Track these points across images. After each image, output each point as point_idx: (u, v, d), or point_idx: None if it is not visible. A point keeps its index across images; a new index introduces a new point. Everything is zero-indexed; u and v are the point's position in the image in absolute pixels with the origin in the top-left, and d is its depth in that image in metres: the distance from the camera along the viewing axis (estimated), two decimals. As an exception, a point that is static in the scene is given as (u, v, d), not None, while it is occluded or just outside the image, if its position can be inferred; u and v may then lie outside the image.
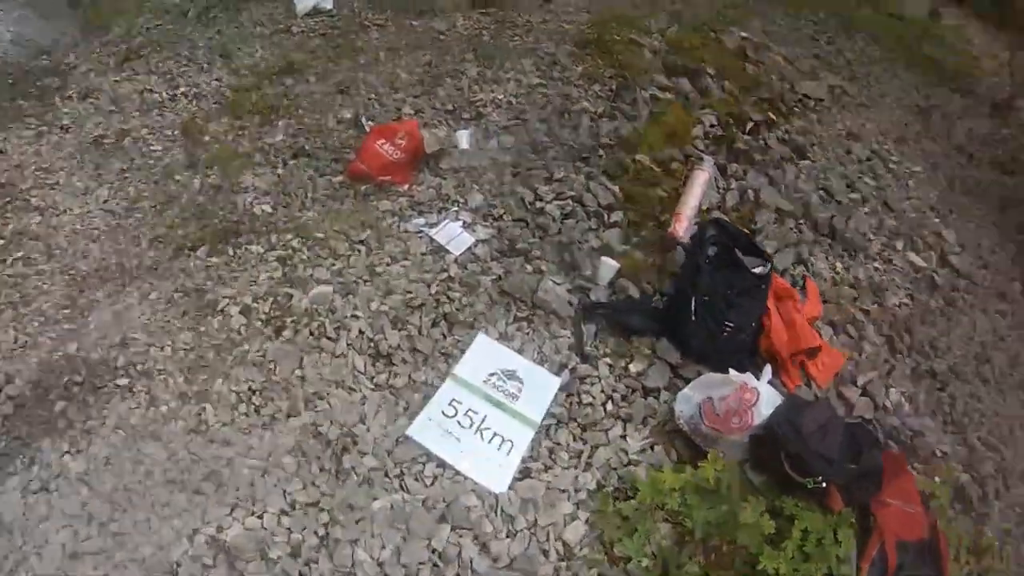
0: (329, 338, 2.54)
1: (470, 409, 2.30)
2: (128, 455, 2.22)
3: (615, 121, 3.62)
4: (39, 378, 2.44)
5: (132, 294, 2.76)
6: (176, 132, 3.67)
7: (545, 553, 2.06)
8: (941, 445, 2.72)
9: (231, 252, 2.91)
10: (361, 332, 2.55)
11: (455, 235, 2.95)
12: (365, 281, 2.73)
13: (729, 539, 2.00)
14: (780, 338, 2.42)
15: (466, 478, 2.18)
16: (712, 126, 3.67)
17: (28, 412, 2.34)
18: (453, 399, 2.32)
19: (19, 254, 2.96)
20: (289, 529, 2.06)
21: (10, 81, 4.02)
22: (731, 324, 2.42)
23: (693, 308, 2.44)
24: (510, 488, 2.17)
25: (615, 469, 2.28)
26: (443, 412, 2.29)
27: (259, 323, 2.60)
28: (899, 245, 3.40)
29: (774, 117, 3.89)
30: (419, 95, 3.79)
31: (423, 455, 2.24)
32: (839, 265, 3.20)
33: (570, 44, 4.09)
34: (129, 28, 4.53)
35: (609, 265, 2.80)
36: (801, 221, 3.32)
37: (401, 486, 2.17)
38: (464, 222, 3.02)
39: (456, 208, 3.10)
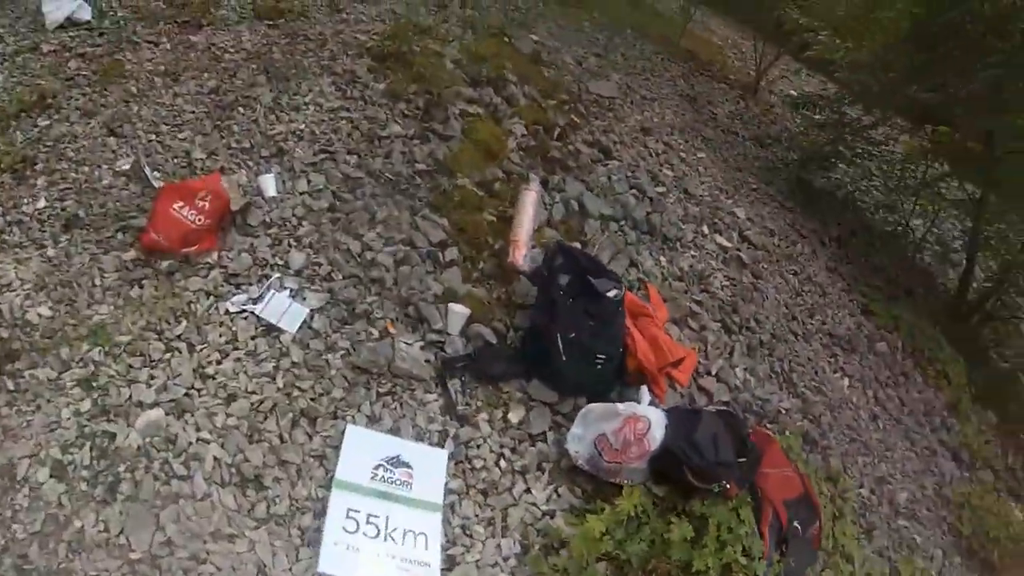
0: (181, 478, 2.00)
1: (370, 515, 2.02)
2: None
3: (429, 144, 3.42)
4: None
5: None
6: None
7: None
8: (782, 403, 3.11)
9: (11, 386, 2.13)
10: (217, 459, 2.05)
11: (285, 308, 2.54)
12: (199, 391, 2.21)
13: (663, 557, 2.12)
14: (648, 357, 2.49)
15: (399, 590, 1.92)
16: (523, 135, 3.67)
17: None
18: (348, 509, 2.00)
19: None
20: None
21: None
22: (602, 356, 2.43)
23: (561, 348, 2.40)
24: (444, 582, 1.96)
25: (531, 525, 2.20)
26: (344, 529, 1.97)
27: (83, 485, 1.94)
28: (705, 230, 3.75)
29: (576, 120, 4.02)
30: (209, 132, 3.15)
31: (347, 587, 1.91)
32: (663, 259, 3.42)
33: (368, 58, 3.75)
34: None
35: (458, 313, 2.63)
36: (623, 223, 3.47)
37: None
38: (291, 290, 2.61)
39: (278, 275, 2.65)
